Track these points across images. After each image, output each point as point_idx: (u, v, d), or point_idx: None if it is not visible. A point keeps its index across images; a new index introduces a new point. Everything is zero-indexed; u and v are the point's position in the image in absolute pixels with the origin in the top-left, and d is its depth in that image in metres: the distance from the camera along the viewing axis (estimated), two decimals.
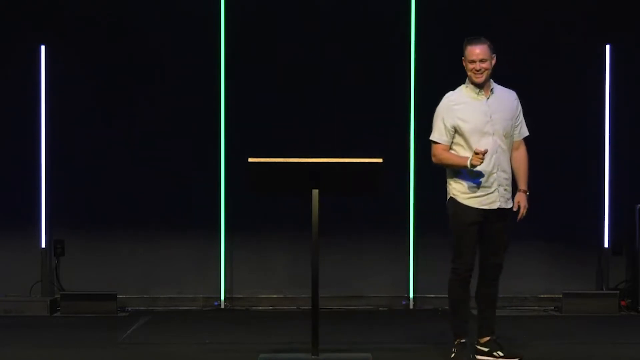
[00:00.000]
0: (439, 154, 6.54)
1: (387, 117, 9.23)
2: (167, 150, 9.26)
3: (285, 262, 9.35)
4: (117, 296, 9.00)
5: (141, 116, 9.30)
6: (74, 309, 8.94)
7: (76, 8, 9.23)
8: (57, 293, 9.20)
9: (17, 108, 9.24)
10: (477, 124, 6.43)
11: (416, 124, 9.12)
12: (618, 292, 9.15)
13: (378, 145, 8.98)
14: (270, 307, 9.32)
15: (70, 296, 9.01)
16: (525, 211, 6.55)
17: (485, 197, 6.47)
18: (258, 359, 6.65)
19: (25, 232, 9.23)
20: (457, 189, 6.52)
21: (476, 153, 6.29)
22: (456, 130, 6.48)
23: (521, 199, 6.56)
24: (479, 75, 6.43)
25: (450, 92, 6.57)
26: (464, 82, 6.56)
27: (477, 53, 6.42)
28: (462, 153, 6.48)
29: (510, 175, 6.55)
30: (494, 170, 6.46)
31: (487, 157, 6.39)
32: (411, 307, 9.29)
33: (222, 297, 9.30)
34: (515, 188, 6.62)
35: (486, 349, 6.62)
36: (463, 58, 6.49)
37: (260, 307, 9.32)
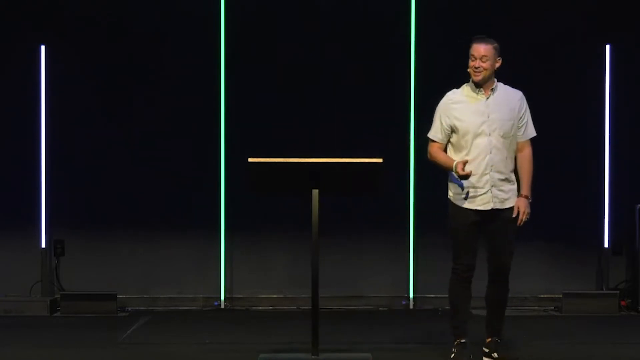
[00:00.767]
0: (433, 152, 6.57)
1: (387, 117, 9.23)
2: (167, 150, 9.26)
3: (285, 262, 9.35)
4: (117, 296, 9.00)
5: (141, 116, 9.30)
6: (74, 309, 8.94)
7: (76, 8, 9.23)
8: (57, 293, 9.20)
9: (17, 108, 9.24)
10: (472, 124, 6.43)
11: (416, 124, 9.12)
12: (618, 292, 9.15)
13: (378, 145, 8.98)
14: (270, 307, 9.32)
15: (70, 296, 9.01)
16: (525, 217, 6.52)
17: (478, 198, 6.46)
18: (258, 359, 6.65)
19: (25, 232, 9.23)
20: (452, 190, 6.55)
21: (463, 167, 6.30)
22: (452, 129, 6.48)
23: (521, 204, 6.53)
24: (477, 74, 6.44)
25: (453, 90, 6.58)
26: (465, 82, 6.57)
27: (480, 51, 6.43)
28: (456, 152, 6.48)
29: (508, 176, 6.50)
30: (487, 171, 6.44)
31: (479, 157, 6.40)
32: (411, 307, 9.29)
33: (222, 297, 9.30)
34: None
35: (487, 350, 6.63)
36: (469, 55, 6.50)
37: (260, 307, 9.32)
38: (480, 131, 6.43)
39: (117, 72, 9.26)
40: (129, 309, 9.15)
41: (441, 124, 6.51)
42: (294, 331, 7.87)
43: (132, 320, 8.59)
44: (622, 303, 9.11)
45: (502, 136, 6.46)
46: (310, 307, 6.57)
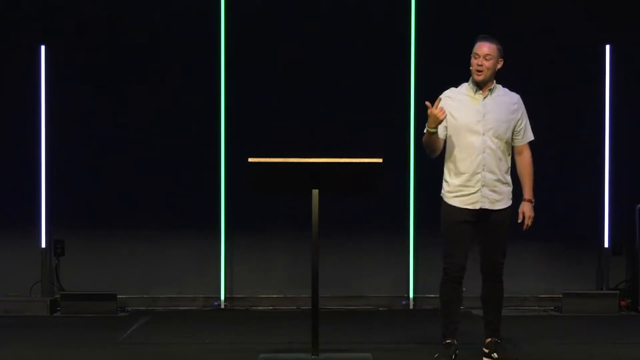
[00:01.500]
0: (423, 138, 6.52)
1: (387, 117, 9.23)
2: (167, 150, 9.26)
3: (285, 262, 9.35)
4: (117, 296, 9.00)
5: (141, 116, 9.30)
6: (74, 309, 8.93)
7: (76, 8, 9.23)
8: (57, 293, 9.20)
9: (17, 108, 9.24)
10: (467, 122, 6.43)
11: (416, 124, 9.12)
12: (618, 292, 9.15)
13: (378, 145, 8.99)
14: (270, 307, 9.32)
15: (70, 296, 9.01)
16: (530, 222, 6.53)
17: (468, 197, 6.47)
18: (258, 359, 6.65)
19: (25, 232, 9.23)
20: (445, 188, 6.56)
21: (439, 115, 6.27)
22: (450, 127, 6.48)
23: (525, 209, 6.54)
24: (479, 72, 6.44)
25: (451, 88, 6.59)
26: (465, 82, 6.58)
27: (484, 50, 6.44)
28: (450, 150, 6.48)
29: (501, 177, 6.49)
30: (479, 170, 6.44)
31: (472, 156, 6.40)
32: (411, 307, 9.29)
33: (222, 297, 9.30)
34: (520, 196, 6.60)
35: (487, 350, 6.62)
36: (472, 54, 6.50)
37: (260, 307, 9.32)
38: (475, 130, 6.43)
39: (117, 72, 9.26)
40: (129, 309, 9.14)
41: None
42: (294, 331, 7.87)
43: (132, 320, 8.59)
44: (622, 303, 9.11)
45: (496, 137, 6.45)
46: (310, 307, 6.57)
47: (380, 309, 9.29)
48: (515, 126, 6.53)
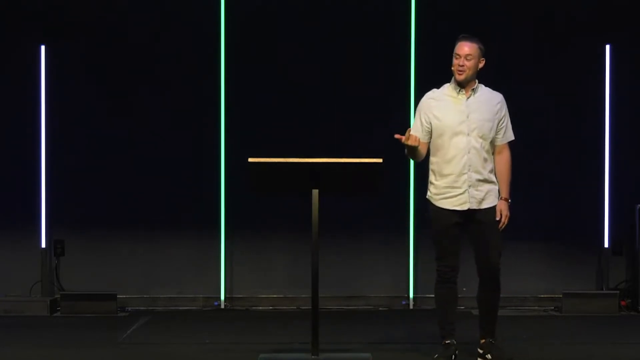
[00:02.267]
0: None
1: (387, 117, 9.22)
2: (167, 150, 9.26)
3: (285, 262, 9.35)
4: (117, 296, 9.00)
5: (141, 116, 9.30)
6: (74, 309, 8.94)
7: (76, 8, 9.23)
8: (57, 293, 9.20)
9: (17, 108, 9.24)
10: (451, 123, 6.43)
11: None
12: (618, 292, 9.15)
13: (378, 145, 8.97)
14: (270, 307, 9.32)
15: (70, 296, 9.01)
16: (507, 220, 6.51)
17: (455, 198, 6.46)
18: (258, 359, 6.65)
19: (25, 232, 9.23)
20: (431, 190, 6.55)
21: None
22: (431, 128, 6.47)
23: (502, 207, 6.51)
24: (461, 72, 6.44)
25: (434, 89, 6.59)
26: None
27: (465, 50, 6.44)
28: (435, 152, 6.48)
29: (486, 177, 6.47)
30: (465, 171, 6.43)
31: (457, 157, 6.40)
32: (411, 307, 9.28)
33: (222, 297, 9.30)
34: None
35: (481, 351, 6.62)
36: (453, 54, 6.50)
37: (260, 307, 9.32)
38: (459, 130, 6.43)
39: (117, 72, 9.26)
40: (129, 309, 9.15)
41: (421, 123, 6.52)
42: (294, 331, 7.87)
43: (132, 320, 8.59)
44: (622, 303, 9.11)
45: (480, 137, 6.45)
46: (310, 307, 6.57)
47: (380, 309, 9.29)
48: (497, 125, 6.52)
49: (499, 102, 6.55)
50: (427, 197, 6.59)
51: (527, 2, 9.29)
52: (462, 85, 6.47)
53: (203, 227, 9.30)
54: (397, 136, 6.38)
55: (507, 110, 6.58)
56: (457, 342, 6.59)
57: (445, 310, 6.58)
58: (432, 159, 6.54)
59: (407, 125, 9.13)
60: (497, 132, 6.52)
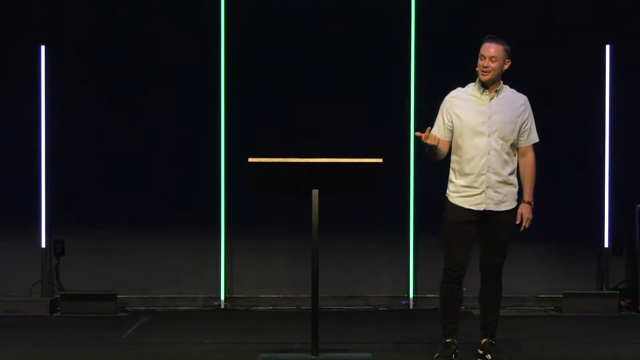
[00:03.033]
0: None
1: (387, 117, 9.22)
2: (167, 150, 9.26)
3: (285, 262, 9.35)
4: (117, 296, 9.00)
5: (141, 116, 9.30)
6: (74, 309, 8.94)
7: (76, 8, 9.23)
8: (57, 293, 9.20)
9: (17, 108, 9.24)
10: (472, 123, 6.42)
11: (416, 123, 9.11)
12: (618, 292, 9.15)
13: (378, 145, 8.99)
14: (270, 307, 9.32)
15: (70, 296, 9.01)
16: (528, 224, 6.52)
17: (472, 198, 6.45)
18: (258, 359, 6.65)
19: (25, 232, 9.23)
20: (450, 188, 6.55)
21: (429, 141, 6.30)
22: (456, 127, 6.48)
23: (524, 210, 6.52)
24: (485, 73, 6.43)
25: (458, 88, 6.58)
26: (466, 81, 6.58)
27: (490, 51, 6.42)
28: (455, 151, 6.48)
29: (506, 179, 6.47)
30: (484, 172, 6.43)
31: (477, 157, 6.40)
32: (411, 307, 9.28)
33: (222, 297, 9.30)
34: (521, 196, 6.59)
35: (481, 351, 6.62)
36: (479, 54, 6.49)
37: (260, 307, 9.32)
38: (480, 131, 6.42)
39: (116, 72, 9.26)
40: (129, 309, 9.15)
41: (443, 120, 6.52)
42: (294, 331, 7.87)
43: (132, 320, 8.59)
44: (622, 303, 9.11)
45: (501, 138, 6.43)
46: (310, 307, 6.57)
47: (380, 309, 9.29)
48: (520, 127, 6.51)
49: (522, 104, 6.54)
50: (445, 194, 6.58)
51: (527, 2, 9.29)
52: (485, 86, 6.46)
53: (203, 227, 9.30)
54: (417, 134, 6.37)
55: (531, 112, 6.56)
56: (457, 341, 6.58)
57: (449, 310, 6.58)
58: (453, 157, 6.53)
59: (407, 125, 9.18)
60: (520, 134, 6.50)
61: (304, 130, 9.21)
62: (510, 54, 6.50)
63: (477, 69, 6.47)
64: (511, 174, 6.50)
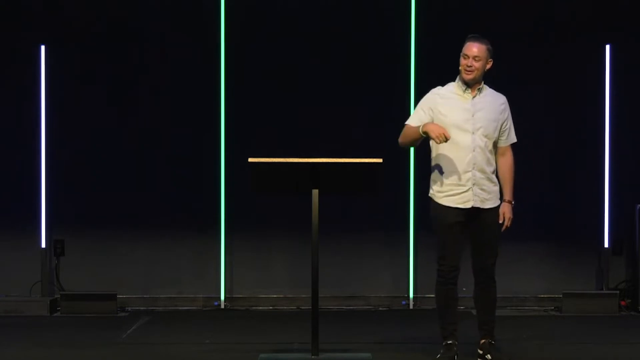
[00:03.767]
0: (403, 132, 6.51)
1: (387, 117, 9.22)
2: (167, 150, 9.27)
3: (285, 262, 9.35)
4: (117, 296, 9.00)
5: (141, 116, 9.30)
6: (74, 309, 8.94)
7: (76, 8, 9.23)
8: (57, 293, 9.20)
9: (17, 108, 9.24)
10: (457, 120, 6.42)
11: None
12: (618, 292, 9.15)
13: (378, 145, 8.98)
14: (270, 307, 9.32)
15: (70, 296, 9.01)
16: (510, 223, 6.51)
17: (459, 196, 6.44)
18: (258, 359, 6.65)
19: (25, 232, 9.23)
20: (434, 188, 6.53)
21: (445, 138, 6.25)
22: (440, 124, 6.44)
23: (506, 210, 6.51)
24: (469, 72, 6.43)
25: (439, 87, 6.57)
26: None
27: (473, 51, 6.43)
28: (443, 149, 6.44)
29: (490, 176, 6.47)
30: (469, 169, 6.43)
31: (462, 154, 6.39)
32: (411, 307, 9.28)
33: (222, 297, 9.30)
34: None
35: (481, 351, 6.62)
36: (461, 53, 6.49)
37: (260, 307, 9.32)
38: (464, 128, 6.42)
39: (116, 72, 9.26)
40: (129, 309, 9.15)
41: (423, 112, 6.48)
42: (294, 331, 7.87)
43: (132, 320, 8.59)
44: (622, 303, 9.11)
45: (485, 136, 6.44)
46: (310, 307, 6.57)
47: (380, 309, 9.29)
48: (501, 127, 6.52)
49: (502, 103, 6.56)
50: (429, 194, 6.57)
51: (527, 2, 9.29)
52: (468, 85, 6.47)
53: (203, 227, 9.30)
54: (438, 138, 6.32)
55: (510, 112, 6.58)
56: (458, 342, 6.58)
57: (446, 311, 6.57)
58: (435, 156, 6.52)
59: None
60: (500, 134, 6.52)
61: (304, 130, 9.21)
62: (493, 54, 6.50)
63: (460, 67, 6.47)
64: (493, 172, 6.53)
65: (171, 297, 9.35)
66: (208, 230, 9.28)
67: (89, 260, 9.27)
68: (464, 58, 6.45)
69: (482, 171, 6.45)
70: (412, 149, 9.18)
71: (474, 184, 6.43)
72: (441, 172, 6.48)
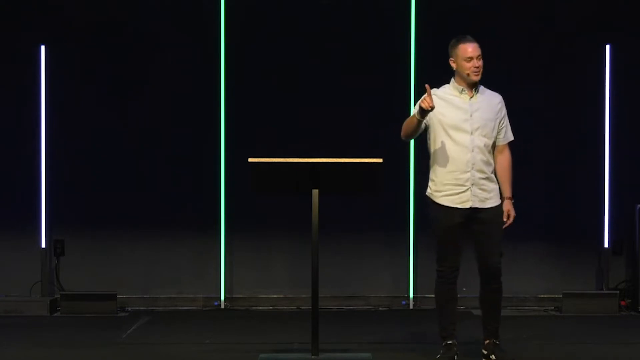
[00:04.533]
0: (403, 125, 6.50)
1: (387, 116, 9.22)
2: (167, 150, 9.26)
3: (285, 262, 9.35)
4: (117, 296, 9.00)
5: (141, 116, 9.30)
6: (74, 309, 8.94)
7: (76, 8, 9.23)
8: (57, 293, 9.20)
9: (17, 108, 9.24)
10: (455, 120, 6.41)
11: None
12: (618, 292, 9.15)
13: (378, 144, 8.99)
14: (270, 307, 9.32)
15: (70, 296, 9.01)
16: (512, 220, 6.51)
17: (457, 196, 6.43)
18: (258, 359, 6.65)
19: (25, 232, 9.23)
20: (432, 187, 6.52)
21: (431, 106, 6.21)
22: (430, 124, 6.42)
23: (509, 207, 6.50)
24: (477, 74, 6.43)
25: (434, 89, 6.54)
26: None
27: (477, 51, 6.43)
28: (441, 148, 6.42)
29: (489, 176, 6.46)
30: (468, 169, 6.42)
31: (461, 154, 6.39)
32: (411, 307, 9.28)
33: (222, 297, 9.30)
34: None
35: (485, 352, 6.61)
36: (452, 59, 6.48)
37: (260, 307, 9.32)
38: (462, 128, 6.41)
39: (116, 73, 9.26)
40: (129, 309, 9.15)
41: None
42: (294, 331, 7.87)
43: (132, 320, 8.59)
44: (622, 303, 9.11)
45: (484, 135, 6.44)
46: (310, 307, 6.57)
47: (380, 309, 9.29)
48: (499, 125, 6.53)
49: (499, 102, 6.57)
50: (427, 193, 6.57)
51: (527, 2, 9.29)
52: (470, 86, 6.46)
53: (203, 227, 9.30)
54: (427, 86, 6.27)
55: (505, 111, 6.59)
56: (457, 342, 6.58)
57: (446, 311, 6.57)
58: (434, 155, 6.51)
59: None
60: (498, 132, 6.53)
61: (304, 130, 9.21)
62: (496, 51, 6.50)
63: (465, 72, 6.43)
64: (492, 172, 6.52)
65: (171, 297, 9.35)
66: (208, 230, 9.29)
67: (89, 260, 9.28)
68: (467, 61, 6.42)
69: (481, 171, 6.45)
70: (412, 149, 9.19)
71: (472, 184, 6.43)
72: (438, 172, 6.47)
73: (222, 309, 9.26)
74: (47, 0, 9.29)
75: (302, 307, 9.08)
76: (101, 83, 9.27)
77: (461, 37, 6.50)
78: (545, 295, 9.32)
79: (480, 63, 6.43)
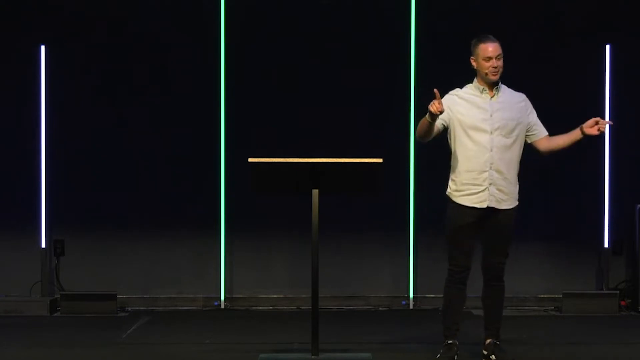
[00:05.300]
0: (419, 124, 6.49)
1: (387, 117, 9.23)
2: (167, 150, 9.26)
3: (285, 262, 9.35)
4: (117, 296, 9.00)
5: (141, 116, 9.30)
6: (74, 309, 8.94)
7: (76, 8, 9.23)
8: (57, 293, 9.20)
9: (17, 108, 9.24)
10: (474, 120, 6.41)
11: (416, 123, 9.07)
12: (618, 292, 9.15)
13: (378, 145, 8.99)
14: (270, 307, 9.32)
15: (70, 296, 9.01)
16: (604, 123, 6.58)
17: (475, 196, 6.43)
18: (258, 359, 6.65)
19: (25, 232, 9.23)
20: (452, 187, 6.52)
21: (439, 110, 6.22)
22: (448, 123, 6.43)
23: (589, 123, 6.55)
24: (496, 73, 6.42)
25: (457, 89, 6.55)
26: (462, 83, 6.56)
27: (497, 50, 6.42)
28: (458, 149, 6.44)
29: (509, 177, 6.46)
30: (486, 169, 6.42)
31: (479, 154, 6.39)
32: (411, 307, 9.28)
33: (222, 297, 9.30)
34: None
35: (485, 352, 6.61)
36: (473, 57, 6.46)
37: (260, 307, 9.32)
38: (482, 128, 6.41)
39: (116, 72, 9.26)
40: (129, 309, 9.15)
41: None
42: (294, 331, 7.87)
43: (132, 320, 8.59)
44: (622, 303, 9.11)
45: (504, 135, 6.43)
46: (310, 307, 6.57)
47: (380, 309, 9.29)
48: (527, 124, 6.52)
49: (522, 101, 6.56)
50: (447, 193, 6.56)
51: (527, 2, 9.29)
52: (490, 86, 6.46)
53: (203, 226, 9.30)
54: (435, 90, 6.29)
55: (532, 107, 6.59)
56: (458, 342, 6.58)
57: (452, 311, 6.56)
58: (454, 155, 6.50)
59: (407, 125, 9.18)
60: (531, 129, 6.54)
61: (304, 130, 9.21)
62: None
63: (484, 71, 6.42)
64: (514, 172, 6.50)
65: (171, 297, 9.35)
66: (208, 230, 9.29)
67: (89, 260, 9.28)
68: (486, 60, 6.41)
69: (500, 172, 6.42)
70: (412, 149, 9.19)
71: (490, 184, 6.42)
72: (458, 171, 6.47)
73: (222, 309, 9.26)
74: (47, 0, 9.29)
75: (302, 307, 9.08)
76: (101, 83, 9.27)
77: (482, 37, 6.48)
78: (545, 295, 9.32)
79: (499, 63, 6.42)
